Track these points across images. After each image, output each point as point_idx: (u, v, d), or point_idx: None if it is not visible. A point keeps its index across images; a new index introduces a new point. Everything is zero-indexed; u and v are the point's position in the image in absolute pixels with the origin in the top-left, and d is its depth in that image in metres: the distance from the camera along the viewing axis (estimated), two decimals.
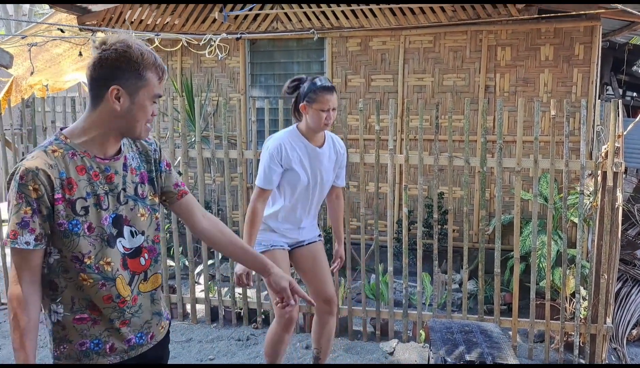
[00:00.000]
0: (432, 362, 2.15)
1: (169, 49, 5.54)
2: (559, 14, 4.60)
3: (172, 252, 4.25)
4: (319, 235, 2.91)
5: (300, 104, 2.59)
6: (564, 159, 3.37)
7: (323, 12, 5.11)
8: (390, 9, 4.94)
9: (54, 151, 1.38)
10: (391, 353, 3.59)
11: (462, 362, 1.93)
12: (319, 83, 2.57)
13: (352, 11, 5.01)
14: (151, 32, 5.42)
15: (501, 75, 4.84)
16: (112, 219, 1.44)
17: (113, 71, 1.36)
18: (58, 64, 7.27)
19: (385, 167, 4.16)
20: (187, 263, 4.27)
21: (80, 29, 5.76)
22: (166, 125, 5.24)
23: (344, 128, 3.68)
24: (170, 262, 4.33)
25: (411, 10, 4.91)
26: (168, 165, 1.63)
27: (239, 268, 2.59)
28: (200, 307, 4.20)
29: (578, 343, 3.45)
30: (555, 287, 3.87)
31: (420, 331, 3.72)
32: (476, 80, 4.89)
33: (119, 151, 1.48)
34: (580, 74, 4.64)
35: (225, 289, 4.32)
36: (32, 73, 6.44)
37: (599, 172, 3.33)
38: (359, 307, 3.88)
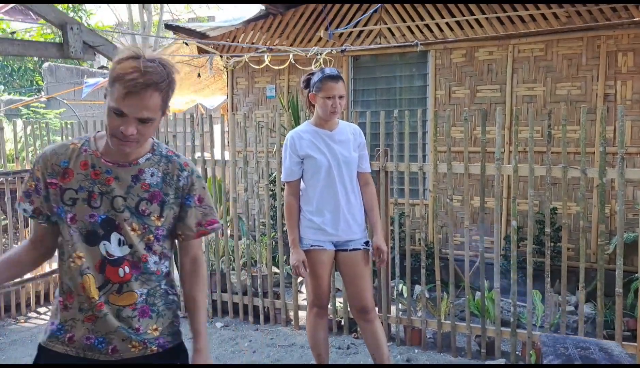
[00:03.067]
0: None
1: (277, 67, 5.82)
2: None
3: (277, 260, 4.42)
4: (367, 243, 2.87)
5: (310, 94, 2.75)
6: None
7: (427, 25, 5.10)
8: (498, 18, 4.81)
9: (72, 144, 1.50)
10: None
11: None
12: (324, 73, 2.70)
13: (457, 22, 4.94)
14: (263, 53, 5.75)
15: (622, 83, 4.50)
16: (102, 220, 1.44)
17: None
18: (179, 87, 7.94)
19: (491, 180, 4.01)
20: (291, 271, 4.42)
21: (200, 52, 6.25)
22: (274, 140, 5.51)
23: (448, 138, 3.62)
24: (275, 270, 4.51)
25: (520, 18, 4.74)
26: (200, 199, 1.55)
27: (293, 258, 2.76)
28: (302, 314, 4.30)
29: None
30: None
31: (530, 352, 3.50)
32: (594, 88, 4.59)
33: (134, 162, 1.47)
34: None
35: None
36: None
37: None
38: (462, 323, 3.76)
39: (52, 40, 12.14)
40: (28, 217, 1.51)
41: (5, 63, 13.91)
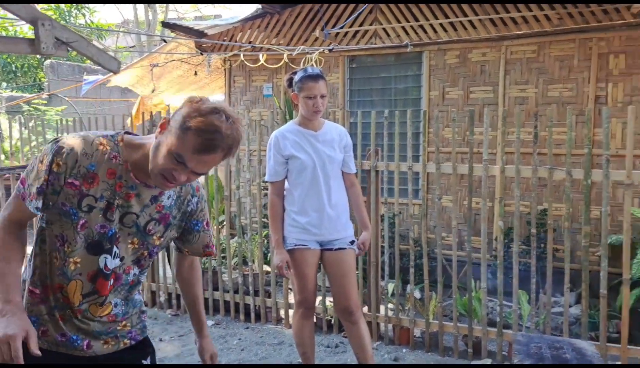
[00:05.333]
0: None
1: (273, 66, 5.85)
2: None
3: (268, 258, 4.45)
4: (352, 242, 2.90)
5: (292, 94, 2.77)
6: None
7: (421, 26, 5.12)
8: (491, 20, 4.82)
9: (100, 144, 1.39)
10: None
11: None
12: (305, 72, 2.71)
13: (451, 23, 4.96)
14: (259, 51, 5.79)
15: (614, 85, 4.51)
16: (112, 234, 1.42)
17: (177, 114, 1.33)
18: (178, 84, 7.99)
19: (481, 181, 4.04)
20: None
21: (197, 46, 6.29)
22: (268, 139, 5.55)
23: (437, 139, 3.65)
24: (267, 268, 4.54)
25: (513, 19, 4.76)
26: (207, 224, 1.61)
27: (277, 259, 2.80)
28: (292, 313, 4.33)
29: None
30: None
31: (516, 352, 3.52)
32: (585, 90, 4.60)
33: None
34: None
35: (319, 298, 4.42)
36: (153, 91, 7.13)
37: None
38: (450, 323, 3.78)
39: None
40: (32, 212, 1.40)
41: (9, 60, 13.99)
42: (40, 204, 1.37)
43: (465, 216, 4.81)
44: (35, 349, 1.27)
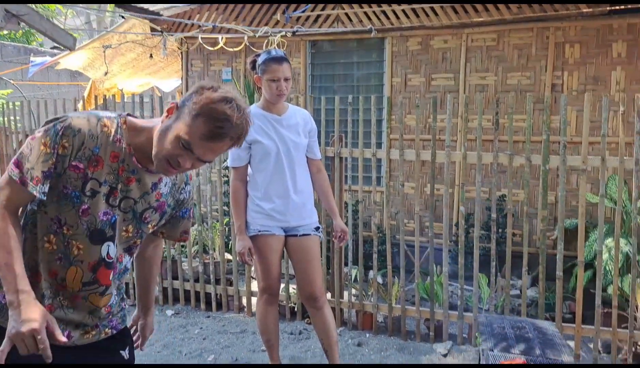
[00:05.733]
0: (482, 358, 2.09)
1: (232, 49, 5.72)
2: (632, 7, 4.34)
3: (230, 246, 4.37)
4: (317, 229, 2.88)
5: (255, 77, 2.71)
6: (634, 157, 3.17)
7: (383, 12, 5.11)
8: (452, 7, 4.86)
9: (105, 125, 1.34)
10: (445, 355, 3.51)
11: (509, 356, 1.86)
12: (269, 55, 2.66)
13: (413, 10, 4.97)
14: (218, 34, 5.63)
15: (569, 74, 4.64)
16: (114, 220, 1.37)
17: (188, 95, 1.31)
18: (132, 67, 7.71)
19: (443, 168, 4.08)
20: None
21: (152, 30, 6.06)
22: None
23: (400, 125, 3.65)
24: (228, 256, 4.46)
25: (474, 8, 4.81)
26: (192, 214, 1.62)
27: (239, 245, 2.75)
28: (255, 301, 4.28)
29: None
30: (624, 295, 3.63)
31: (476, 334, 3.61)
32: (542, 78, 4.71)
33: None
34: None
35: (283, 285, 4.39)
36: (105, 73, 6.85)
37: None
38: (412, 307, 3.83)
39: None
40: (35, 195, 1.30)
41: None
42: (47, 188, 1.30)
43: (426, 202, 4.88)
44: (61, 337, 1.24)
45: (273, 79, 2.62)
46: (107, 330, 1.47)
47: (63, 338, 1.25)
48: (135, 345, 1.67)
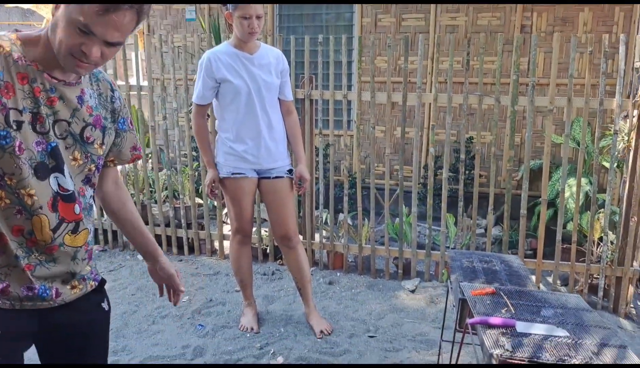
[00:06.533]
0: (452, 292, 2.18)
1: None
2: None
3: (200, 190, 4.34)
4: (290, 171, 2.88)
5: (226, 13, 2.62)
6: (598, 98, 3.24)
7: None
8: None
9: None
10: (413, 291, 3.65)
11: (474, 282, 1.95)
12: None
13: None
14: None
15: (538, 15, 4.64)
16: (52, 148, 1.21)
17: None
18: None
19: (413, 111, 4.10)
20: (215, 203, 4.37)
21: None
22: (194, 67, 5.27)
23: (371, 66, 3.61)
24: (199, 200, 4.44)
25: None
26: (131, 122, 1.43)
27: (207, 178, 2.80)
28: (227, 244, 4.31)
29: (603, 286, 3.43)
30: (583, 231, 3.81)
31: (443, 270, 3.75)
32: (512, 19, 4.71)
33: (78, 81, 1.26)
34: (622, 12, 4.41)
35: (254, 228, 4.42)
36: None
37: (635, 112, 3.21)
38: (382, 247, 3.93)
39: None
40: None
41: None
42: None
43: (396, 146, 4.91)
44: None
45: (245, 15, 2.53)
46: (91, 282, 1.37)
47: None
48: (174, 299, 1.54)
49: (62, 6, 1.10)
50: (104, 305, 1.42)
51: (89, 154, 1.29)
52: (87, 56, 1.12)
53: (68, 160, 1.25)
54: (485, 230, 4.38)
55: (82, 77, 1.26)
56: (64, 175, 1.22)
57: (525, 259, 3.59)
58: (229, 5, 2.57)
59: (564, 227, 3.61)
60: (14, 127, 1.14)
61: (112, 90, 1.36)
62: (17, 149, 1.15)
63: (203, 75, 2.68)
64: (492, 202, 3.61)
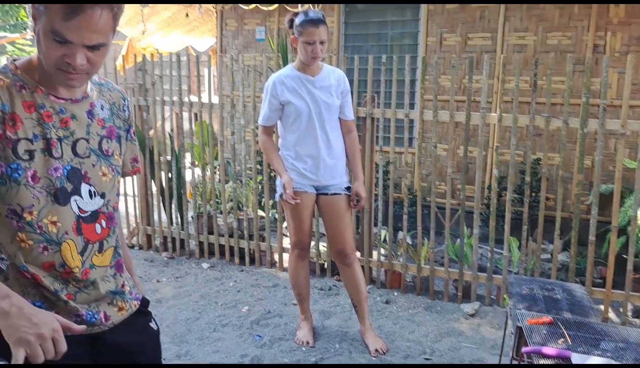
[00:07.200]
0: (510, 319, 2.14)
1: (267, 8, 5.69)
2: None
3: (262, 203, 4.48)
4: (348, 189, 2.92)
5: (291, 37, 2.72)
6: None
7: None
8: None
9: None
10: (472, 315, 3.57)
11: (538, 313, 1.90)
12: (306, 16, 2.65)
13: None
14: None
15: (613, 34, 4.46)
16: (68, 172, 1.19)
17: None
18: (168, 26, 7.76)
19: (477, 130, 4.05)
20: (277, 215, 4.49)
21: None
22: (262, 85, 5.47)
23: (434, 85, 3.62)
24: (261, 213, 4.58)
25: None
26: (134, 133, 1.41)
27: (284, 180, 2.76)
28: (286, 257, 4.40)
29: None
30: None
31: (504, 295, 3.65)
32: (584, 38, 4.55)
33: (85, 95, 1.24)
34: None
35: (313, 243, 4.49)
36: (143, 32, 6.92)
37: None
38: (441, 268, 3.88)
39: None
40: None
41: None
42: None
43: (459, 165, 4.85)
44: (76, 327, 1.12)
45: (309, 41, 2.64)
46: (134, 302, 1.37)
47: (78, 327, 1.13)
48: None
49: (38, 19, 1.08)
50: (152, 325, 1.42)
51: (113, 167, 1.29)
52: (73, 66, 1.09)
53: (99, 177, 1.24)
54: (552, 255, 4.23)
55: (90, 91, 1.26)
56: (82, 197, 1.21)
57: (593, 288, 3.44)
58: (295, 30, 2.69)
59: (636, 255, 3.42)
60: (25, 158, 1.13)
61: (124, 99, 1.36)
62: (30, 179, 1.14)
63: (269, 98, 2.81)
64: (558, 226, 3.49)
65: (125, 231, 4.72)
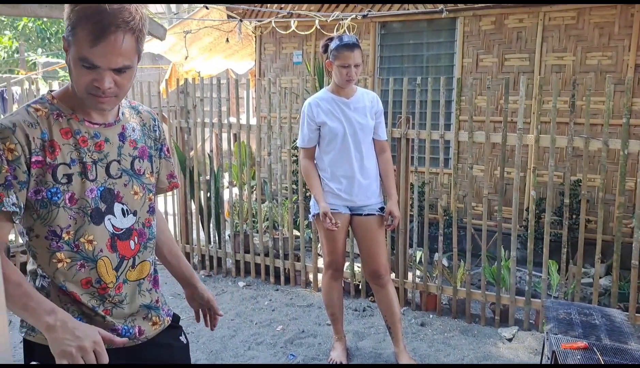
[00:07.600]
0: (546, 344, 2.10)
1: (303, 33, 5.83)
2: None
3: (298, 223, 4.54)
4: (382, 209, 2.93)
5: (326, 61, 2.78)
6: None
7: None
8: None
9: (36, 110, 1.23)
10: (510, 339, 3.50)
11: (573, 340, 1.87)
12: (341, 41, 2.71)
13: None
14: (290, 18, 5.76)
15: None
16: (101, 192, 1.27)
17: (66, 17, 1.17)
18: (209, 51, 8.03)
19: (514, 151, 4.00)
20: (312, 235, 4.53)
21: (228, 17, 6.30)
22: (298, 106, 5.57)
23: (470, 107, 3.62)
24: (296, 233, 4.63)
25: None
26: (168, 150, 1.48)
27: (322, 207, 2.77)
28: (321, 277, 4.43)
29: None
30: None
31: (543, 320, 3.56)
32: (625, 58, 4.46)
33: (117, 119, 1.33)
34: None
35: (347, 263, 4.51)
36: (186, 58, 7.18)
37: None
38: (478, 291, 3.82)
39: None
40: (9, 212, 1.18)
41: (43, 27, 14.21)
42: (15, 199, 1.17)
43: (496, 186, 4.79)
44: (117, 339, 1.21)
45: (343, 65, 2.71)
46: (167, 318, 1.44)
47: (120, 340, 1.21)
48: (210, 324, 1.60)
49: (69, 50, 1.17)
50: (182, 338, 1.49)
51: (144, 185, 1.36)
52: (102, 89, 1.17)
53: (130, 196, 1.32)
54: (593, 279, 4.10)
55: (122, 115, 1.34)
56: (115, 216, 1.29)
57: (637, 314, 3.32)
58: (330, 54, 2.76)
59: None
60: (64, 182, 1.22)
61: (154, 120, 1.44)
62: (68, 201, 1.22)
63: (307, 121, 2.89)
64: (599, 249, 3.40)
65: None
